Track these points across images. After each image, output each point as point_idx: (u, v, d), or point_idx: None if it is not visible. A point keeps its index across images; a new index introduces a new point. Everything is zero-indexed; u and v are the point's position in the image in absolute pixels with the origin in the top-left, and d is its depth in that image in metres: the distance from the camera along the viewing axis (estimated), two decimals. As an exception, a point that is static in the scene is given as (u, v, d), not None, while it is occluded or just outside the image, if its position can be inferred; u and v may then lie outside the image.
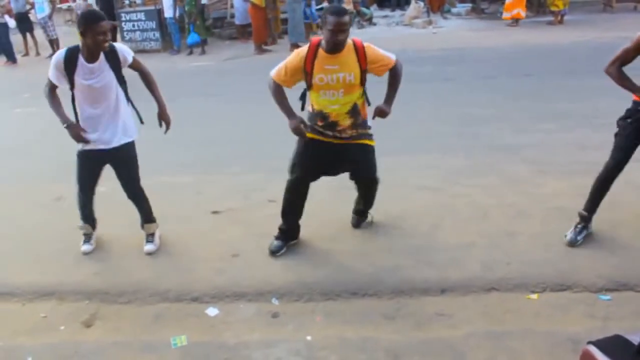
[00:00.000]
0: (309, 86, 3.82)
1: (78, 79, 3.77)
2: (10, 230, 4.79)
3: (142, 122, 4.16)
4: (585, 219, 4.04)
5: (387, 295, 3.60)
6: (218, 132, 7.21)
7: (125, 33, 13.99)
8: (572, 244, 3.97)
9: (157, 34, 14.11)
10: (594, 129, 6.12)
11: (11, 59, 14.75)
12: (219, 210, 4.90)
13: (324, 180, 5.02)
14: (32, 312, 3.67)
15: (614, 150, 3.88)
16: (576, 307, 3.39)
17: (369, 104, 3.93)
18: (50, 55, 14.35)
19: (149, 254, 4.27)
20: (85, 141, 3.91)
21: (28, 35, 15.60)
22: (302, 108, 3.97)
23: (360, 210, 4.37)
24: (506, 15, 14.53)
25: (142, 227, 4.38)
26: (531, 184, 5.06)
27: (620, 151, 3.85)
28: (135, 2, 16.26)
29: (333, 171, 4.12)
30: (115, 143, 3.98)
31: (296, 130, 3.82)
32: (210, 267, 4.04)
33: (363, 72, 3.73)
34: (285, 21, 13.51)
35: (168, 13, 13.68)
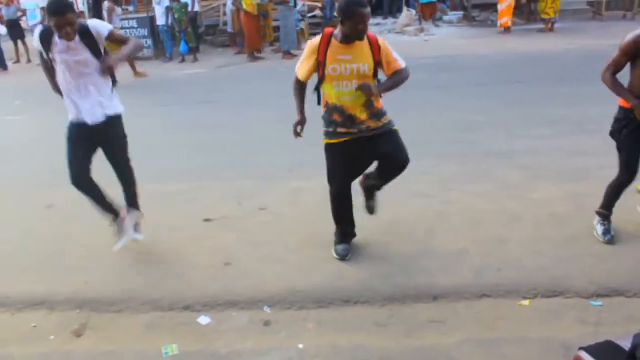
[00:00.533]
0: (322, 78, 3.77)
1: (55, 53, 3.83)
2: None
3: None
4: (608, 217, 4.13)
5: (379, 303, 3.59)
6: (211, 139, 7.20)
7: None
8: (613, 239, 4.05)
9: (150, 41, 14.11)
10: (585, 135, 6.16)
11: (2, 65, 14.71)
12: (212, 217, 4.89)
13: (315, 186, 5.03)
14: (22, 321, 3.63)
15: (624, 164, 3.94)
16: (568, 313, 3.39)
17: (381, 96, 3.87)
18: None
19: (136, 240, 4.32)
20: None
21: (19, 42, 15.57)
22: (318, 102, 3.94)
23: (376, 186, 4.19)
24: (499, 22, 14.62)
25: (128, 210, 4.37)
26: (524, 190, 5.07)
27: (629, 165, 3.92)
28: (127, 9, 16.27)
29: (365, 168, 4.07)
30: (98, 118, 3.96)
31: (294, 128, 3.89)
32: (203, 275, 4.02)
33: (376, 64, 3.72)
34: (277, 29, 13.53)
35: (160, 20, 13.69)
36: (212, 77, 11.58)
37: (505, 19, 14.43)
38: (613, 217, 4.14)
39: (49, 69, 4.00)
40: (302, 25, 14.68)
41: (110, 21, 11.99)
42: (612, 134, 3.98)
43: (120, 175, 4.26)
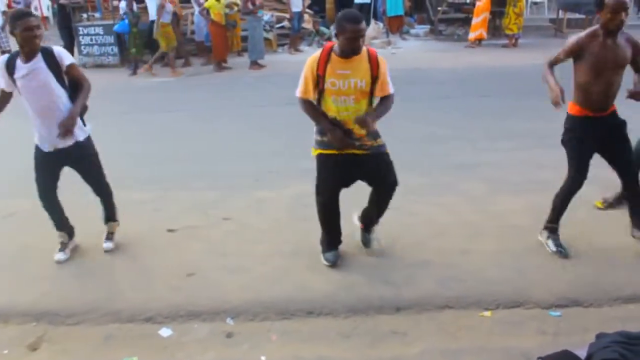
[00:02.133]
0: (321, 91, 3.79)
1: (17, 78, 3.84)
2: (-45, 248, 4.60)
3: (84, 124, 4.13)
4: (556, 230, 4.21)
5: (342, 314, 3.59)
6: (176, 148, 7.12)
7: (82, 47, 13.75)
8: (563, 255, 4.10)
9: (115, 49, 13.90)
10: (548, 148, 6.26)
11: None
12: (176, 227, 4.83)
13: (280, 197, 5.01)
14: (-25, 335, 3.51)
15: (574, 169, 4.03)
16: (528, 324, 3.45)
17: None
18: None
19: (107, 251, 4.38)
20: None
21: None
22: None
23: (371, 219, 4.26)
24: (471, 35, 14.86)
25: (106, 223, 4.47)
26: (487, 202, 5.15)
27: (579, 165, 4.02)
28: (93, 16, 16.05)
29: (352, 182, 4.05)
30: (63, 144, 3.98)
31: (342, 142, 3.80)
32: (165, 286, 3.96)
33: (374, 80, 3.74)
34: (245, 39, 13.52)
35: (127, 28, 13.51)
36: (179, 86, 11.49)
37: (479, 32, 14.66)
38: (576, 229, 4.23)
39: (2, 99, 4.01)
40: (271, 36, 14.70)
41: (159, 17, 11.95)
42: (563, 142, 4.09)
43: (97, 192, 4.34)
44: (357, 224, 4.33)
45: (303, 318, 3.58)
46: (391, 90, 3.85)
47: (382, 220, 4.22)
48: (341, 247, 4.26)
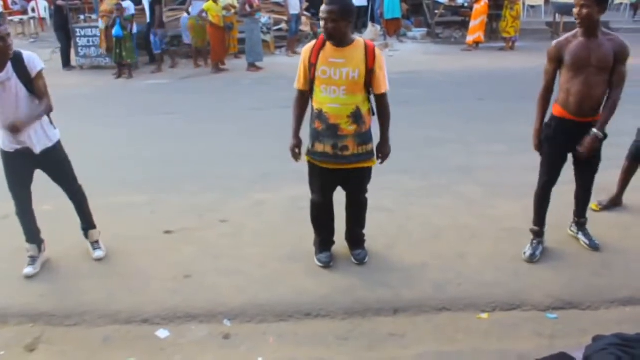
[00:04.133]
0: (312, 80, 3.70)
1: None
2: (-49, 250, 4.59)
3: (54, 128, 4.03)
4: (538, 234, 4.22)
5: (340, 316, 3.60)
6: (173, 151, 7.12)
7: (79, 49, 13.72)
8: (532, 259, 4.11)
9: (114, 51, 13.86)
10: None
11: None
12: (172, 230, 4.82)
13: (277, 199, 5.02)
14: (-28, 336, 3.50)
15: (542, 165, 4.13)
16: (525, 326, 3.46)
17: (374, 114, 3.85)
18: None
19: (100, 259, 4.29)
20: None
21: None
22: None
23: (354, 234, 4.24)
24: (469, 38, 14.90)
25: (86, 235, 4.36)
26: (484, 206, 5.16)
27: (547, 166, 4.10)
28: (90, 18, 16.02)
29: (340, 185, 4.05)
30: (40, 148, 3.92)
31: (291, 152, 3.88)
32: (162, 287, 3.96)
33: (369, 72, 3.62)
34: (242, 41, 13.53)
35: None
36: (176, 88, 11.48)
37: (477, 34, 14.70)
38: (565, 234, 4.26)
39: None
40: (268, 38, 14.71)
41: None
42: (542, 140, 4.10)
43: (71, 197, 4.26)
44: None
45: (300, 320, 3.59)
46: (387, 87, 3.73)
47: (376, 223, 4.22)
48: (338, 249, 4.27)
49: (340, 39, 3.59)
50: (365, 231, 4.26)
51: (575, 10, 3.69)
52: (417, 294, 3.80)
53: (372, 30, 15.95)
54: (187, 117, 8.92)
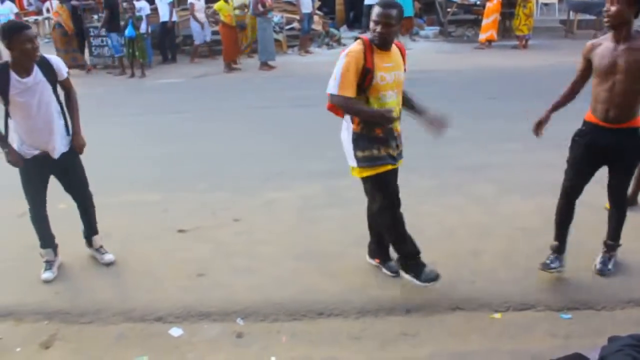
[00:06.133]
0: (365, 89, 3.47)
1: (13, 96, 3.65)
2: (-32, 248, 4.64)
3: (68, 134, 4.03)
4: (555, 249, 3.96)
5: (353, 316, 3.60)
6: (186, 149, 7.15)
7: (93, 48, 13.84)
8: (545, 268, 3.90)
9: (126, 50, 13.96)
10: (556, 150, 6.22)
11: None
12: (186, 228, 4.85)
13: (290, 198, 5.02)
14: (-12, 333, 3.54)
15: (566, 172, 3.92)
16: (539, 326, 3.44)
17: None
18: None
19: (111, 263, 4.27)
20: (21, 165, 3.87)
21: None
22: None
23: (378, 244, 4.08)
24: (482, 37, 14.83)
25: (90, 242, 4.35)
26: (496, 204, 5.14)
27: (571, 171, 3.87)
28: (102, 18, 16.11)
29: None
30: (58, 154, 3.92)
31: (387, 120, 3.50)
32: (176, 286, 3.98)
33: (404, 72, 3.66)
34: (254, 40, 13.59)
35: (140, 29, 13.56)
36: (189, 87, 11.53)
37: (490, 33, 14.63)
38: (584, 231, 4.21)
39: None
40: (281, 37, 14.73)
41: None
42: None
43: (81, 202, 4.24)
44: (373, 262, 4.15)
45: (313, 319, 3.59)
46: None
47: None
48: (350, 249, 4.26)
49: (390, 43, 3.53)
50: (357, 228, 4.23)
51: (605, 8, 3.44)
52: (430, 293, 3.78)
53: (384, 29, 15.93)
54: (199, 116, 8.96)
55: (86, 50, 13.79)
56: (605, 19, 3.45)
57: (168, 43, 14.48)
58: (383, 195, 3.70)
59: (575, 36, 16.12)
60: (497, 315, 3.56)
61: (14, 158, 3.82)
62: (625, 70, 3.44)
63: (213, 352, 3.32)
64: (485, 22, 14.73)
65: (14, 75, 3.63)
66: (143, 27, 12.98)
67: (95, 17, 14.49)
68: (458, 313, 3.60)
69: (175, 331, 3.51)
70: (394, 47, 3.58)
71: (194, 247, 4.53)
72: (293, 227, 4.75)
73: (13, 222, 5.09)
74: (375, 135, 3.57)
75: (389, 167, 3.65)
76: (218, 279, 4.05)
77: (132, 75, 12.66)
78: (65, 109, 3.97)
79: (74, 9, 13.60)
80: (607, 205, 4.77)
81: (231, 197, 5.48)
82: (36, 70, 3.69)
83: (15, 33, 3.55)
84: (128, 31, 12.34)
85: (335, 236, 4.18)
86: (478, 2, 16.08)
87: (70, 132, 4.01)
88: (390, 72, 3.51)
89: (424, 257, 4.15)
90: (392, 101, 3.56)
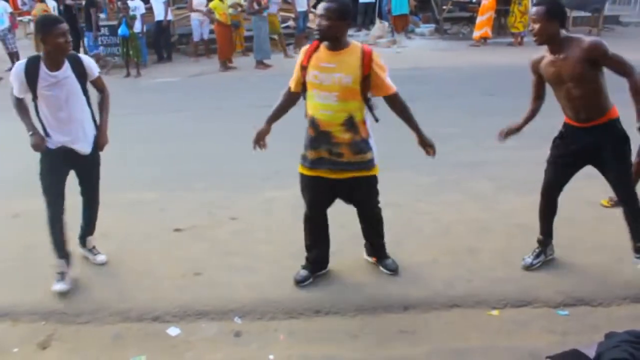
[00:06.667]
0: (304, 84, 3.55)
1: (41, 89, 3.67)
2: (-37, 248, 4.62)
3: (94, 132, 4.02)
4: (541, 243, 4.04)
5: (350, 313, 3.60)
6: (182, 148, 7.14)
7: (87, 48, 13.81)
8: (527, 268, 3.98)
9: (121, 50, 13.95)
10: (553, 147, 6.27)
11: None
12: (182, 227, 4.84)
13: (288, 197, 5.01)
14: (-16, 333, 3.53)
15: (545, 171, 3.96)
16: (536, 323, 3.45)
17: (377, 120, 3.63)
18: (10, 69, 14.03)
19: (104, 263, 4.26)
20: (43, 150, 3.79)
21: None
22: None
23: (373, 246, 4.10)
24: (476, 34, 14.84)
25: (84, 242, 4.32)
26: (493, 201, 5.15)
27: (550, 171, 3.93)
28: (99, 17, 16.07)
29: (340, 199, 3.86)
30: (86, 150, 3.91)
31: (255, 137, 3.81)
32: (173, 285, 3.98)
33: (365, 78, 3.41)
34: (249, 39, 13.55)
35: (135, 28, 13.53)
36: (185, 86, 11.51)
37: (484, 30, 14.64)
38: (582, 228, 4.21)
39: (23, 109, 3.80)
40: (276, 36, 14.71)
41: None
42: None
43: (89, 203, 4.21)
44: (370, 259, 4.16)
45: (311, 317, 3.59)
46: (394, 88, 3.55)
47: (386, 219, 4.19)
48: (347, 247, 4.25)
49: (334, 41, 3.42)
50: (354, 225, 4.22)
51: (530, 27, 3.53)
52: (427, 290, 3.79)
53: (380, 27, 15.92)
54: (195, 115, 8.94)
55: (81, 50, 13.72)
56: (533, 38, 3.53)
57: (163, 42, 14.45)
58: (304, 196, 3.87)
59: (570, 33, 16.14)
60: (495, 312, 3.56)
61: (38, 140, 3.74)
62: (571, 78, 3.51)
63: (211, 351, 3.31)
64: (479, 19, 14.74)
65: (44, 69, 3.65)
66: (138, 26, 12.95)
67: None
68: (455, 310, 3.60)
69: (173, 330, 3.50)
70: (350, 50, 3.44)
71: (191, 246, 4.52)
72: (291, 225, 4.73)
73: (9, 223, 5.09)
74: (308, 134, 3.65)
75: (305, 170, 3.72)
76: (215, 278, 4.05)
77: (128, 74, 12.64)
78: (93, 107, 3.97)
79: (69, 9, 13.57)
80: (604, 202, 4.80)
81: (228, 196, 5.47)
82: (66, 65, 3.72)
83: (49, 27, 3.57)
84: (121, 30, 12.30)
85: (332, 234, 4.17)
86: (473, 0, 16.10)
87: (96, 130, 4.01)
88: (329, 72, 3.41)
89: (422, 254, 4.17)
90: (323, 103, 3.46)
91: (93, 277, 4.13)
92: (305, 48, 3.60)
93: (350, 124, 3.50)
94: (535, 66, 3.76)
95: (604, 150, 3.63)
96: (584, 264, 4.02)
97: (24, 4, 18.88)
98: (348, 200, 3.85)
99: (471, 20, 16.10)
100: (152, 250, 4.48)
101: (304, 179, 3.78)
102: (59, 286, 3.92)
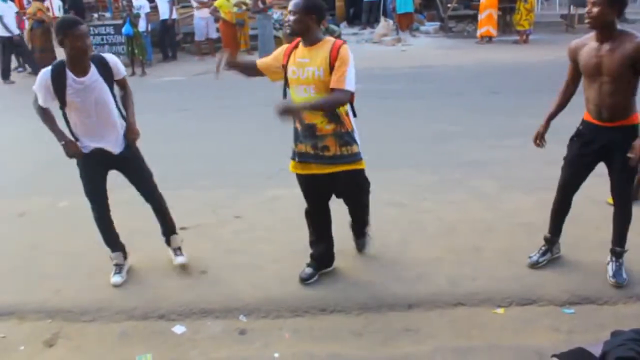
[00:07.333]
0: (287, 80, 3.65)
1: (69, 96, 3.56)
2: (-30, 247, 4.65)
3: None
4: (548, 241, 4.03)
5: (355, 311, 3.60)
6: (187, 147, 7.15)
7: (94, 47, 13.86)
8: (533, 265, 3.97)
9: (126, 48, 13.99)
10: (557, 145, 6.21)
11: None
12: (187, 226, 4.84)
13: (292, 195, 5.01)
14: (-9, 331, 3.55)
15: (562, 169, 3.90)
16: (541, 321, 3.44)
17: (355, 116, 3.67)
18: (17, 68, 14.05)
19: (182, 265, 4.16)
20: (80, 157, 3.76)
21: None
22: None
23: (356, 228, 4.19)
24: (479, 32, 14.82)
25: (168, 241, 4.25)
26: (498, 200, 5.13)
27: (567, 170, 3.86)
28: (104, 16, 16.11)
29: (334, 194, 3.93)
30: (119, 150, 3.85)
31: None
32: (178, 284, 3.99)
33: (332, 70, 3.45)
34: (253, 37, 13.56)
35: (140, 27, 13.57)
36: (189, 84, 11.54)
37: (485, 28, 14.62)
38: (587, 226, 4.18)
39: (49, 119, 3.72)
40: (280, 34, 14.71)
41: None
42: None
43: (148, 197, 4.15)
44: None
45: (315, 315, 3.59)
46: (347, 86, 3.43)
47: (390, 218, 4.21)
48: (352, 245, 4.25)
49: (304, 36, 3.53)
50: (378, 225, 4.23)
51: (587, 9, 3.37)
52: (432, 288, 3.79)
53: (385, 25, 15.90)
54: (201, 114, 8.96)
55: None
56: (587, 20, 3.37)
57: (168, 41, 14.49)
58: (302, 192, 3.92)
59: (576, 31, 16.07)
60: (500, 311, 3.55)
61: (73, 149, 3.69)
62: (609, 71, 3.38)
63: (216, 349, 3.32)
64: (480, 17, 14.73)
65: (70, 75, 3.55)
66: (143, 25, 12.99)
67: (95, 15, 14.50)
68: (460, 308, 3.60)
69: (178, 329, 3.51)
70: (321, 45, 3.51)
71: (196, 245, 4.52)
72: (295, 224, 4.73)
73: (14, 222, 5.11)
74: (295, 127, 3.70)
75: (296, 168, 3.78)
76: (220, 276, 4.06)
77: (133, 73, 12.66)
78: (121, 106, 3.92)
79: (73, 4, 13.60)
80: (610, 200, 4.77)
81: (233, 195, 5.48)
82: (93, 69, 3.62)
83: (69, 28, 3.44)
84: (125, 29, 12.33)
85: (336, 233, 4.17)
86: (477, -3, 16.07)
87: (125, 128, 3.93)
88: (303, 67, 3.51)
89: (426, 252, 4.16)
90: (303, 97, 3.55)
91: (98, 275, 4.13)
92: (284, 47, 3.71)
93: (332, 115, 3.56)
94: (575, 52, 3.59)
95: (617, 151, 3.57)
96: (589, 262, 4.01)
97: (29, 3, 18.92)
98: (337, 194, 3.92)
99: (475, 18, 16.05)
100: (157, 248, 4.48)
101: (297, 178, 3.87)
102: (115, 279, 4.00)
